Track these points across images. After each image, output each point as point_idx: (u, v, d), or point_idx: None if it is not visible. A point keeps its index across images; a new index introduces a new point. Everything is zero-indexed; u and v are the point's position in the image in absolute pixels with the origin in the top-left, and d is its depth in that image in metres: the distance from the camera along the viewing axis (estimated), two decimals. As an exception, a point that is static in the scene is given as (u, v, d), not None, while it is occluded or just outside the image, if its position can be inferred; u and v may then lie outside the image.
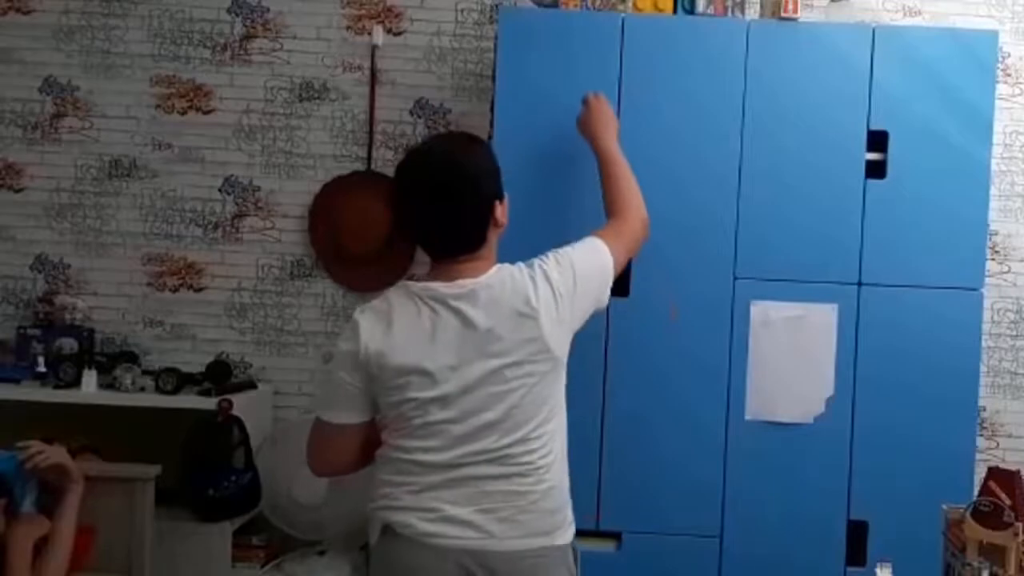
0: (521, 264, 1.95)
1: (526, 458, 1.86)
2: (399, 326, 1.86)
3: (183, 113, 3.26)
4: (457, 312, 1.85)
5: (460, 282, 1.87)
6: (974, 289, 2.55)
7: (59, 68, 3.27)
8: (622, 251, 2.11)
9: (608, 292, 2.06)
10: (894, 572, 1.91)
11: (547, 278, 1.91)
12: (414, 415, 1.85)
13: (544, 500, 1.88)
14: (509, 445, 1.85)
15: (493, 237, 1.94)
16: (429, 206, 1.88)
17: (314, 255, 3.24)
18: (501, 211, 1.93)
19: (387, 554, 1.90)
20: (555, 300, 1.90)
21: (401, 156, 1.87)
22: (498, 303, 1.86)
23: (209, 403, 2.83)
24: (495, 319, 1.85)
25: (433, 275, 1.92)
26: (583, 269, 1.97)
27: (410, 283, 1.94)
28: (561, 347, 1.91)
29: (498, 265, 1.93)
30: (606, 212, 2.25)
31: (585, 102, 2.41)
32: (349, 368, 1.89)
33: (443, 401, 1.84)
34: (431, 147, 2.00)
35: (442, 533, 1.84)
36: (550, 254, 1.98)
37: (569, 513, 1.95)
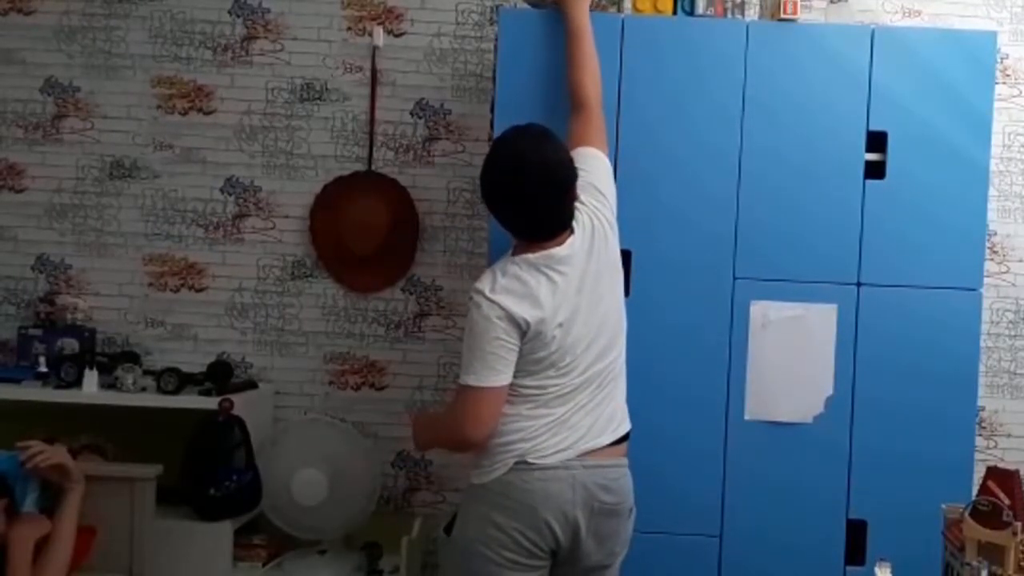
0: (582, 208, 2.25)
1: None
2: (534, 288, 2.14)
3: (184, 114, 3.27)
4: (572, 266, 2.19)
5: (568, 242, 2.20)
6: (973, 289, 2.56)
7: (60, 69, 3.27)
8: (603, 143, 2.41)
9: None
10: (893, 572, 1.91)
11: (595, 205, 2.27)
12: (553, 355, 2.16)
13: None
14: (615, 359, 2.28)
15: (573, 210, 2.24)
16: (529, 205, 2.16)
17: (315, 255, 3.25)
18: (577, 186, 2.23)
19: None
20: (605, 216, 2.28)
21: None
22: (592, 253, 2.22)
23: (210, 403, 2.83)
24: (592, 260, 2.22)
25: (539, 247, 2.19)
26: (605, 184, 2.33)
27: (528, 256, 2.18)
28: (618, 249, 2.33)
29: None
30: (572, 90, 2.43)
31: None
32: (502, 334, 2.12)
33: (574, 339, 2.17)
34: (516, 152, 2.18)
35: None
36: (582, 186, 2.26)
37: None
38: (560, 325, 2.14)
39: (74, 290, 3.26)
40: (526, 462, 2.14)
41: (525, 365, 2.16)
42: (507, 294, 2.13)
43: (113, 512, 2.47)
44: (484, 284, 2.16)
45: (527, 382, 2.16)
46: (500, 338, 2.12)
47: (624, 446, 2.27)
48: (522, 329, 2.12)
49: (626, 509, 2.24)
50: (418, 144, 3.25)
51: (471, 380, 2.14)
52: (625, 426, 2.28)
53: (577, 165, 2.26)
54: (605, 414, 2.22)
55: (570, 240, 2.20)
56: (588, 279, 2.20)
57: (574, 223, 2.22)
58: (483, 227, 3.14)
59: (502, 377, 2.14)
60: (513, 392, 2.16)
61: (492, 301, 2.13)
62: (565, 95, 2.54)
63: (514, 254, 2.21)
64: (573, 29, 2.46)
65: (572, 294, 2.17)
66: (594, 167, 2.34)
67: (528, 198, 2.15)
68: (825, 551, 2.54)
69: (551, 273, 2.16)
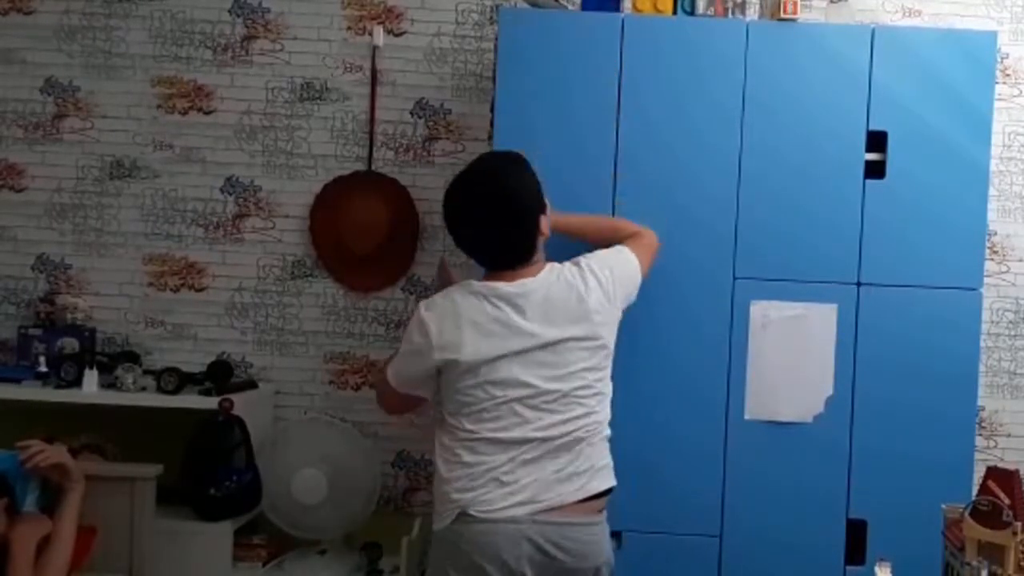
0: (568, 263, 2.21)
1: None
2: (466, 320, 2.11)
3: (184, 113, 3.27)
4: (517, 307, 2.11)
5: (520, 282, 2.14)
6: (973, 289, 2.56)
7: (60, 68, 3.27)
8: (645, 263, 2.36)
9: (636, 292, 2.32)
10: (893, 571, 1.91)
11: (594, 274, 2.19)
12: (485, 399, 2.11)
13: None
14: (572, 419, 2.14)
15: (540, 244, 2.19)
16: (483, 231, 2.15)
17: (315, 255, 3.25)
18: (545, 223, 2.19)
19: None
20: (603, 294, 2.18)
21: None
22: (552, 300, 2.13)
23: (210, 403, 2.84)
24: (551, 313, 2.12)
25: (494, 277, 2.17)
26: (622, 272, 2.27)
27: (472, 282, 2.18)
28: (609, 334, 2.19)
29: (549, 264, 2.19)
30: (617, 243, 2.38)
31: None
32: (420, 359, 2.14)
33: (507, 383, 2.09)
34: (477, 175, 2.19)
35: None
36: (591, 256, 2.25)
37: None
38: (486, 361, 2.09)
39: (74, 290, 3.26)
40: (468, 514, 2.07)
41: (455, 397, 2.13)
42: (437, 312, 2.15)
43: (113, 512, 2.47)
44: (423, 303, 2.20)
45: (463, 424, 2.12)
46: (414, 355, 2.17)
47: (599, 502, 2.16)
48: (435, 358, 2.12)
49: (589, 569, 2.11)
50: (418, 144, 3.25)
51: (388, 369, 2.24)
52: (598, 485, 2.15)
53: (606, 250, 2.29)
54: (566, 471, 2.10)
55: (525, 281, 2.14)
56: (544, 333, 2.11)
57: (544, 270, 2.17)
58: (483, 227, 3.14)
59: (415, 389, 2.21)
60: (452, 435, 2.14)
61: (421, 320, 2.15)
62: (565, 95, 2.55)
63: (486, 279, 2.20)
64: (578, 228, 2.42)
65: (510, 335, 2.10)
66: (618, 256, 2.29)
67: (477, 220, 2.15)
68: (825, 551, 2.54)
69: (487, 305, 2.12)
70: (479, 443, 2.10)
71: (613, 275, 2.22)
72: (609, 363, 2.20)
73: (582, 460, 2.12)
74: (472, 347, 2.09)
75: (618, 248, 2.33)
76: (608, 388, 2.21)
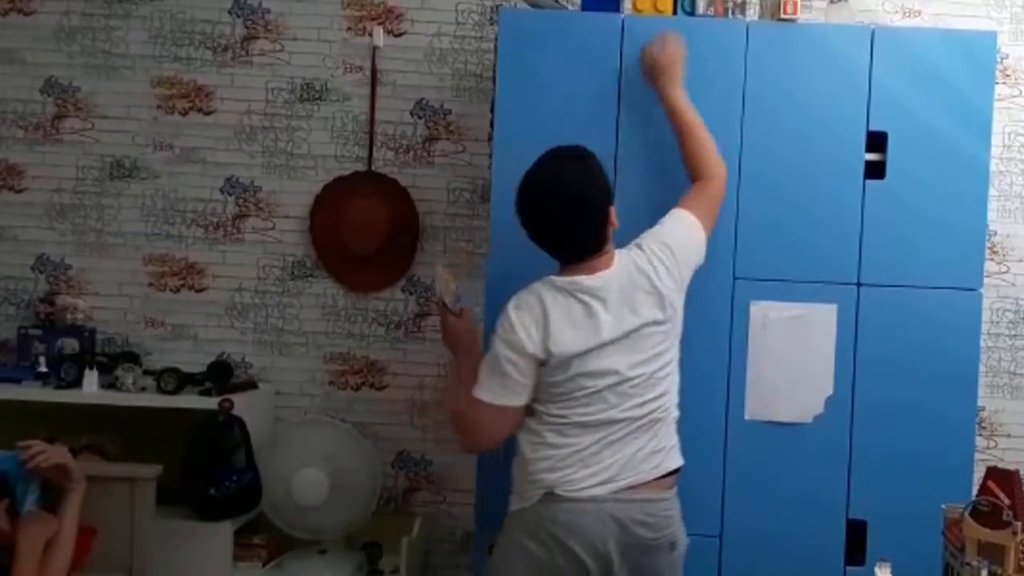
0: (632, 248, 2.26)
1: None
2: (555, 317, 2.14)
3: (184, 114, 3.27)
4: (600, 300, 2.16)
5: (600, 275, 2.19)
6: (973, 289, 2.56)
7: (60, 69, 3.27)
8: (708, 218, 2.38)
9: (703, 253, 2.36)
10: (893, 571, 1.91)
11: (660, 259, 2.24)
12: (575, 389, 2.16)
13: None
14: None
15: (611, 234, 2.24)
16: (560, 227, 2.17)
17: (314, 255, 3.25)
18: (613, 213, 2.23)
19: None
20: (670, 276, 2.24)
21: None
22: (630, 289, 2.19)
23: (210, 403, 2.84)
24: (630, 301, 2.18)
25: (573, 271, 2.20)
26: (681, 245, 2.29)
27: (554, 278, 2.20)
28: (678, 315, 2.26)
29: (618, 253, 2.24)
30: (689, 171, 2.43)
31: (647, 52, 2.50)
32: (518, 358, 2.14)
33: (596, 374, 2.15)
34: (551, 173, 2.19)
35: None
36: (652, 237, 2.28)
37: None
38: (578, 355, 2.14)
39: (74, 290, 3.26)
40: (555, 494, 2.14)
41: (546, 389, 2.17)
42: (525, 312, 2.16)
43: (113, 512, 2.47)
44: (511, 301, 2.20)
45: (551, 408, 2.18)
46: (511, 359, 2.15)
47: (671, 479, 2.26)
48: (531, 353, 2.14)
49: (664, 544, 2.21)
50: (418, 144, 3.25)
51: (480, 394, 2.18)
52: (670, 463, 2.25)
53: (663, 220, 2.32)
54: (645, 450, 2.19)
55: (603, 273, 2.19)
56: (624, 321, 2.17)
57: (616, 259, 2.22)
58: (483, 227, 3.14)
59: (510, 397, 2.17)
60: (539, 419, 2.19)
61: (510, 321, 2.16)
62: (565, 95, 2.55)
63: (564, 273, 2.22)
64: (675, 112, 2.45)
65: (597, 327, 2.15)
66: (676, 228, 2.32)
67: (555, 218, 2.16)
68: (825, 551, 2.53)
69: (573, 301, 2.16)
70: (567, 427, 2.16)
71: (676, 257, 2.26)
72: (677, 343, 2.29)
73: (659, 440, 2.22)
74: (564, 343, 2.13)
75: (679, 216, 2.34)
76: (676, 368, 2.29)
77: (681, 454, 2.29)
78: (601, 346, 2.15)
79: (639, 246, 2.27)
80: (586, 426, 2.16)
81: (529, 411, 2.21)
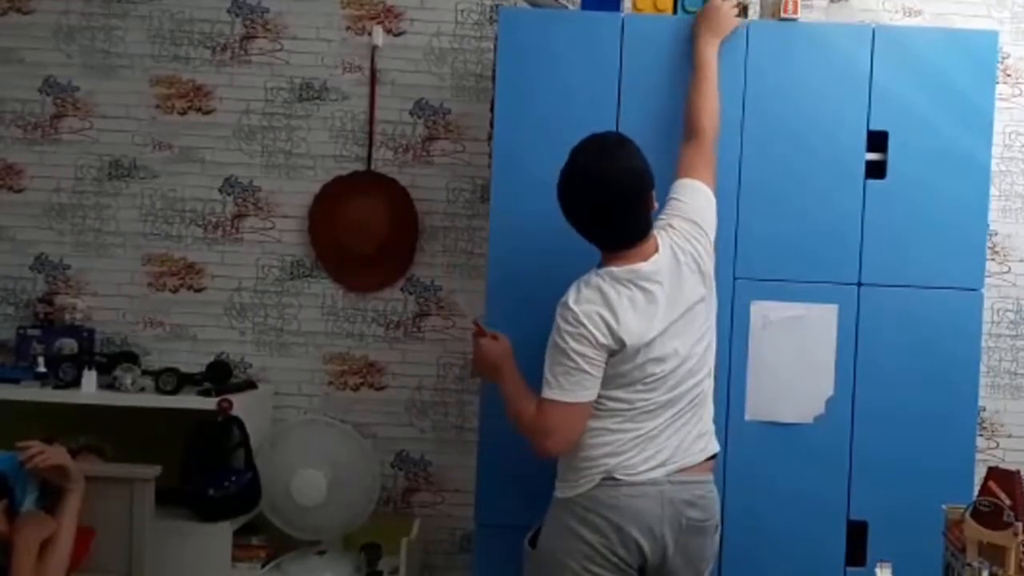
0: (665, 229, 2.24)
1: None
2: (620, 308, 2.12)
3: (183, 113, 3.26)
4: (659, 283, 2.16)
5: (653, 259, 2.18)
6: (974, 289, 2.55)
7: (59, 68, 3.27)
8: (712, 179, 2.38)
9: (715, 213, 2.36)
10: (894, 572, 1.91)
11: (695, 237, 2.25)
12: (642, 376, 2.14)
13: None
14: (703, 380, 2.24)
15: (651, 218, 2.23)
16: (607, 216, 2.14)
17: (314, 255, 3.24)
18: (653, 196, 2.19)
19: None
20: (706, 252, 2.26)
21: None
22: (679, 270, 2.20)
23: (209, 403, 2.83)
24: (681, 282, 2.19)
25: (623, 260, 2.17)
26: (703, 217, 2.30)
27: (612, 269, 2.16)
28: (713, 284, 2.29)
29: (658, 237, 2.22)
30: (688, 117, 2.43)
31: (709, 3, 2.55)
32: (591, 351, 2.11)
33: (662, 359, 2.15)
34: (593, 163, 2.15)
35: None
36: (676, 213, 2.28)
37: None
38: (646, 343, 2.12)
39: (73, 290, 3.26)
40: (614, 478, 2.12)
41: (611, 378, 2.14)
42: (590, 305, 2.11)
43: (112, 512, 2.47)
44: (569, 296, 2.14)
45: (613, 394, 2.15)
46: (582, 353, 2.10)
47: (712, 463, 2.26)
48: (604, 344, 2.10)
49: (712, 526, 2.23)
50: (417, 144, 3.25)
51: (553, 394, 2.12)
52: (713, 446, 2.26)
53: (677, 195, 2.31)
54: (693, 433, 2.20)
55: (655, 257, 2.18)
56: (679, 301, 2.18)
57: (659, 242, 2.20)
58: (483, 227, 3.14)
59: (584, 393, 2.12)
60: (599, 405, 2.15)
61: (575, 315, 2.11)
62: (565, 95, 2.54)
63: (600, 266, 2.20)
64: (699, 61, 2.46)
65: (659, 312, 2.15)
66: (695, 200, 2.32)
67: (600, 207, 2.13)
68: (825, 552, 2.53)
69: (635, 289, 2.14)
70: (631, 412, 2.15)
71: (703, 229, 2.28)
72: (714, 317, 2.30)
73: (704, 422, 2.25)
74: (635, 333, 2.12)
75: (692, 187, 2.33)
76: (714, 344, 2.31)
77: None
78: (664, 330, 2.15)
79: (670, 226, 2.26)
80: (649, 411, 2.15)
81: None
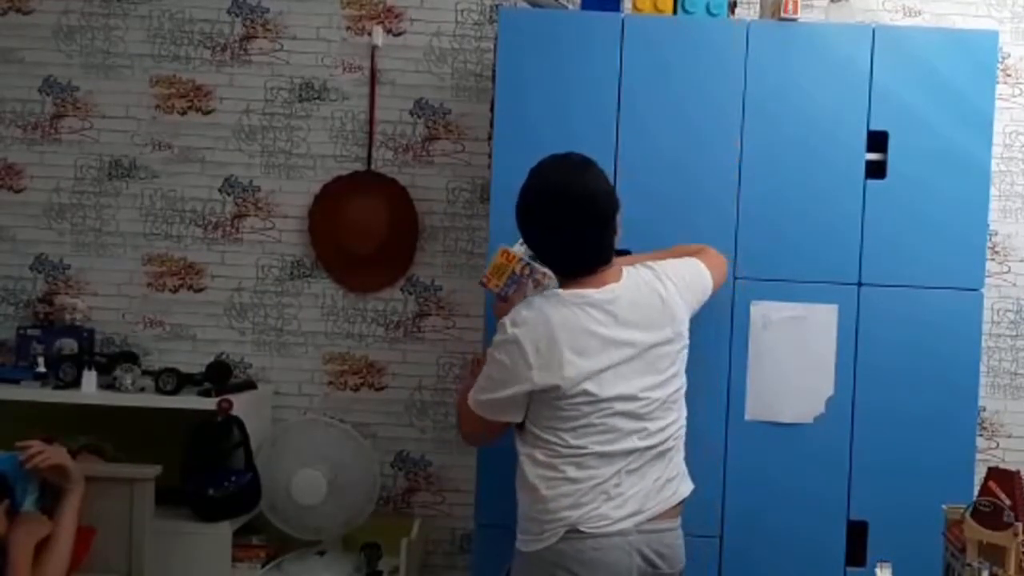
0: (640, 267, 2.17)
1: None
2: (562, 335, 2.03)
3: (183, 113, 3.26)
4: (610, 314, 2.06)
5: (608, 287, 2.09)
6: (974, 289, 2.55)
7: (59, 68, 3.27)
8: (719, 274, 2.35)
9: (705, 300, 2.29)
10: (894, 572, 1.91)
11: (669, 278, 2.17)
12: (590, 412, 2.04)
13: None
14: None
15: (615, 245, 2.15)
16: (569, 236, 2.07)
17: (314, 255, 3.24)
18: (619, 221, 2.13)
19: None
20: (680, 297, 2.16)
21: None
22: (640, 304, 2.10)
23: (209, 403, 2.83)
24: (641, 318, 2.08)
25: (578, 284, 2.09)
26: (690, 279, 2.23)
27: (560, 292, 2.10)
28: (686, 335, 2.18)
29: (625, 268, 2.14)
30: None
31: None
32: (515, 383, 2.04)
33: (611, 397, 2.04)
34: (557, 181, 2.08)
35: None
36: (663, 263, 2.22)
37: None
38: (590, 377, 2.03)
39: (73, 290, 3.26)
40: (578, 531, 2.03)
41: (557, 415, 2.05)
42: (529, 329, 2.03)
43: (112, 513, 2.47)
44: (509, 318, 2.08)
45: (567, 439, 2.05)
46: (510, 390, 2.06)
47: (681, 507, 2.19)
48: (535, 383, 2.03)
49: (678, 573, 2.17)
50: (417, 144, 3.24)
51: (472, 393, 2.14)
52: (684, 490, 2.19)
53: (677, 263, 2.24)
54: (662, 479, 2.11)
55: (613, 286, 2.09)
56: (637, 340, 2.07)
57: (624, 274, 2.12)
58: (483, 227, 3.14)
59: (501, 414, 2.10)
60: (552, 451, 2.06)
61: (514, 338, 2.04)
62: (565, 95, 2.54)
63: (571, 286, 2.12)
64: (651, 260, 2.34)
65: (610, 346, 2.04)
66: (682, 267, 2.24)
67: (572, 226, 2.05)
68: (825, 552, 2.53)
69: (581, 316, 2.04)
70: (586, 457, 2.04)
71: (684, 282, 2.20)
72: (684, 369, 2.20)
73: (672, 466, 2.15)
74: (574, 365, 2.02)
75: (688, 259, 2.30)
76: (684, 394, 2.21)
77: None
78: (614, 366, 2.04)
79: (648, 267, 2.19)
80: (604, 456, 2.04)
81: (540, 441, 2.08)
